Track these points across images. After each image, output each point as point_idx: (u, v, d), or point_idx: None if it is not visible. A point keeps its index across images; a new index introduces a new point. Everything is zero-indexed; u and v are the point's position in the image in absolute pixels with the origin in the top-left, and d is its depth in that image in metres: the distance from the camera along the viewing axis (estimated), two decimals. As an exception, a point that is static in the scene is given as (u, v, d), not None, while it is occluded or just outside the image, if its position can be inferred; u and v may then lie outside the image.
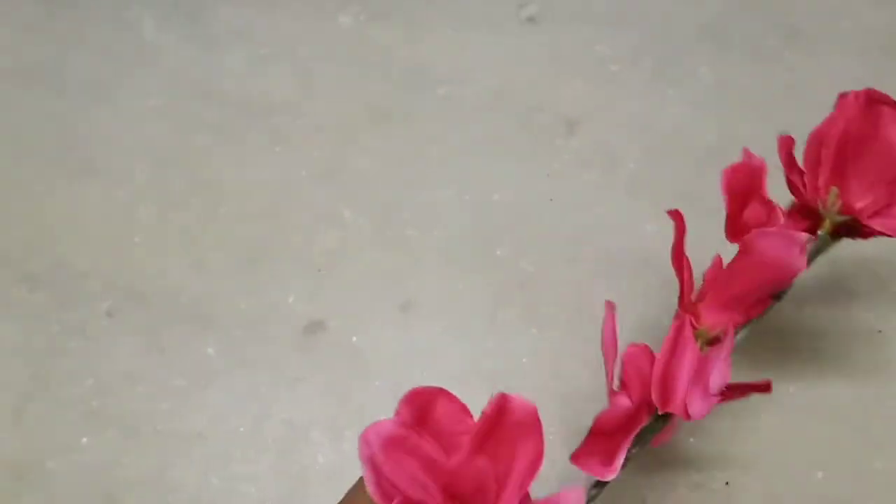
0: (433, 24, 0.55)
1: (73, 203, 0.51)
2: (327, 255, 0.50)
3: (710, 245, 0.49)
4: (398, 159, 0.52)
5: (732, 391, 0.31)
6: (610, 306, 0.32)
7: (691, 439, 0.42)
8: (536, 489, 0.29)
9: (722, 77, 0.53)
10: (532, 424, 0.28)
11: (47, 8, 0.55)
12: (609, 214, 0.50)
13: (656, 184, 0.51)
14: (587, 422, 0.46)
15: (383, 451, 0.27)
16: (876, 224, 0.35)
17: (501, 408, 0.28)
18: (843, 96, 0.35)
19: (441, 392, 0.28)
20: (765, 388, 0.32)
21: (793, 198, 0.37)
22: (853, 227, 0.36)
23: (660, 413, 0.31)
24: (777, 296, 0.35)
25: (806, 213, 0.36)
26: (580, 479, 0.32)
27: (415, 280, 0.49)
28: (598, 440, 0.31)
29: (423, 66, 0.54)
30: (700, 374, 0.30)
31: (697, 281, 0.36)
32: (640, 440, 0.31)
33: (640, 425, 0.31)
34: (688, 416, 0.30)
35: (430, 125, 0.52)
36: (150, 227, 0.51)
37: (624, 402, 0.31)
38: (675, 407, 0.30)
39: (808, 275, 0.34)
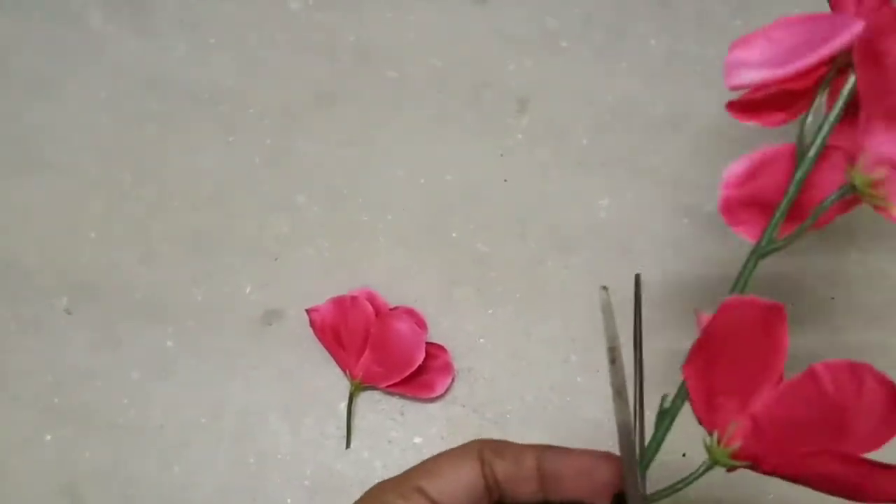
0: (379, 4, 0.54)
1: (23, 199, 0.51)
2: (281, 241, 0.50)
3: (662, 215, 0.50)
4: (349, 143, 0.51)
5: None
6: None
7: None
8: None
9: (672, 48, 0.53)
10: None
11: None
12: (562, 190, 0.50)
13: (609, 157, 0.51)
14: (544, 398, 0.46)
15: None
16: None
17: None
18: None
19: None
20: None
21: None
22: None
23: None
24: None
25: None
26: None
27: (370, 264, 0.49)
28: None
29: (370, 48, 0.53)
30: None
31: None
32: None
33: None
34: None
35: (380, 107, 0.52)
36: (100, 221, 0.50)
37: None
38: None
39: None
